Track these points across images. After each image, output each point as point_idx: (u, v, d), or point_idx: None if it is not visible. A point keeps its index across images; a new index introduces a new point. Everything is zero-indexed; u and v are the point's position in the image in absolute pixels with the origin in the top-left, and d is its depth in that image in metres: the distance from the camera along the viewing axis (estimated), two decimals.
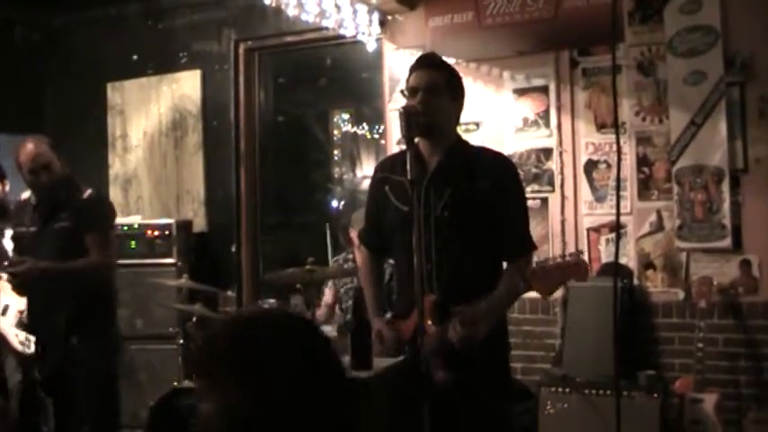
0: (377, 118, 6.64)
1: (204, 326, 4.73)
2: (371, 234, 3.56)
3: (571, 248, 5.30)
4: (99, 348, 4.41)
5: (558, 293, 5.20)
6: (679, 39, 5.01)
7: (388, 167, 3.44)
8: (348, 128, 7.40)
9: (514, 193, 3.35)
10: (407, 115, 3.11)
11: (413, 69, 3.35)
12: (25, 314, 4.54)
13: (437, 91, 3.25)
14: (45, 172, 4.38)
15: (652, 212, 5.14)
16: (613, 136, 5.14)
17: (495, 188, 3.23)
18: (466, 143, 3.46)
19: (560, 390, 4.82)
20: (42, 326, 4.45)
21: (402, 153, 3.22)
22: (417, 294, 2.96)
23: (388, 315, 3.50)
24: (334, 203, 7.50)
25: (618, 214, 3.46)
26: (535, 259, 3.39)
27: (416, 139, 3.21)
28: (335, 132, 7.51)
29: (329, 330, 5.06)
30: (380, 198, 3.43)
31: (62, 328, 4.32)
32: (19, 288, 4.47)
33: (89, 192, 4.54)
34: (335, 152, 7.52)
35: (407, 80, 3.35)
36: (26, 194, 4.64)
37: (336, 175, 7.50)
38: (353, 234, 5.28)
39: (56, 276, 4.33)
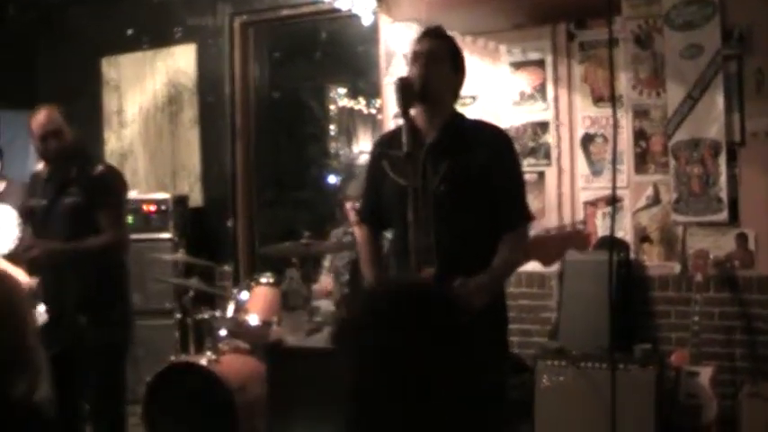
0: (373, 92, 6.62)
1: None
2: (370, 210, 3.55)
3: (567, 222, 5.31)
4: (107, 327, 4.37)
5: (555, 267, 5.22)
6: (676, 12, 4.99)
7: (386, 143, 3.43)
8: (344, 102, 7.37)
9: (511, 165, 3.36)
10: (403, 87, 3.12)
11: (418, 39, 3.37)
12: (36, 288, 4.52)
13: (439, 58, 3.26)
14: (54, 139, 4.32)
15: (648, 186, 5.14)
16: (610, 109, 5.13)
17: (491, 161, 3.23)
18: (462, 116, 3.45)
19: (556, 363, 4.80)
20: (53, 304, 4.41)
21: (400, 128, 3.21)
22: (414, 268, 2.99)
23: None
24: (330, 179, 7.48)
25: (614, 188, 3.46)
26: (532, 232, 3.39)
27: (413, 112, 3.21)
28: (331, 107, 7.48)
29: (328, 305, 5.10)
30: (378, 173, 3.41)
31: (72, 307, 4.29)
32: (31, 269, 4.41)
33: (100, 167, 4.50)
34: (331, 127, 7.49)
35: (412, 49, 3.36)
36: (39, 167, 4.60)
37: (332, 150, 7.48)
38: (348, 206, 5.28)
39: (65, 257, 4.29)
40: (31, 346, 1.88)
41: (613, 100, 3.84)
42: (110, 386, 4.44)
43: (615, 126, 4.00)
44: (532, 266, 4.30)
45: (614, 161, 3.87)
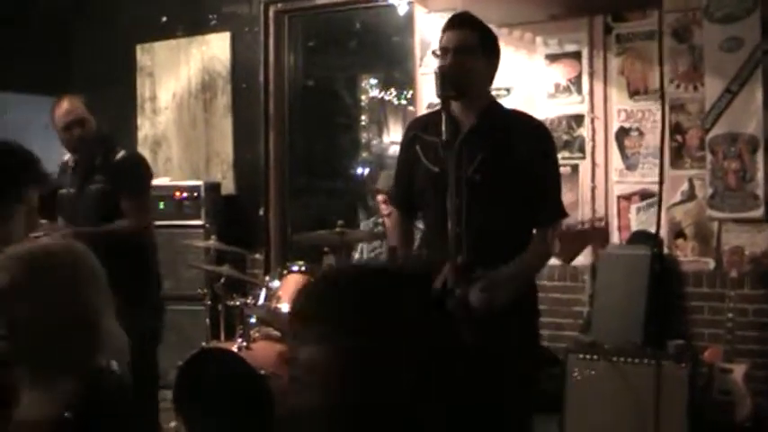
0: (406, 83, 6.60)
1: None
2: (401, 193, 3.50)
3: (587, 219, 5.25)
4: (137, 312, 4.33)
5: (588, 261, 5.20)
6: (716, 4, 4.93)
7: (421, 126, 3.38)
8: (376, 93, 7.35)
9: (548, 160, 3.30)
10: (443, 75, 3.07)
11: (445, 29, 3.28)
12: None
13: (468, 51, 3.17)
14: (79, 127, 4.36)
15: (684, 180, 5.10)
16: (646, 103, 5.18)
17: (528, 153, 3.17)
18: (500, 106, 3.41)
19: (588, 357, 4.75)
20: None
21: (436, 113, 3.16)
22: (451, 257, 2.94)
23: None
24: (361, 169, 7.47)
25: (661, 182, 3.47)
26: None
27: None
28: (363, 97, 7.46)
29: None
30: (411, 157, 3.36)
31: None
32: None
33: (122, 153, 4.50)
34: (363, 117, 7.48)
35: (440, 40, 3.29)
36: (66, 156, 4.62)
37: (364, 141, 7.46)
38: (380, 198, 5.27)
39: (90, 241, 4.29)
40: (101, 318, 1.93)
41: (662, 92, 3.80)
42: (142, 373, 4.43)
43: (663, 119, 3.96)
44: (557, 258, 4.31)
45: (661, 155, 3.83)
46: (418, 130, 3.37)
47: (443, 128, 2.99)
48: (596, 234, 3.09)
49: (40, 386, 1.83)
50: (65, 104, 4.38)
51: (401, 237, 3.54)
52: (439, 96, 3.08)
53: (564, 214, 3.34)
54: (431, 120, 3.25)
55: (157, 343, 4.53)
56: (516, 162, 3.16)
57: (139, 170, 4.56)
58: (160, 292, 4.64)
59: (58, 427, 1.75)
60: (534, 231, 3.28)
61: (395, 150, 7.08)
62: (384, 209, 5.26)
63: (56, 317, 1.83)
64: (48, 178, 4.46)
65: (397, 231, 3.59)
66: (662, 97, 3.97)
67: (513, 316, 3.07)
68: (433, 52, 3.32)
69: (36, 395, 1.82)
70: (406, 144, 3.43)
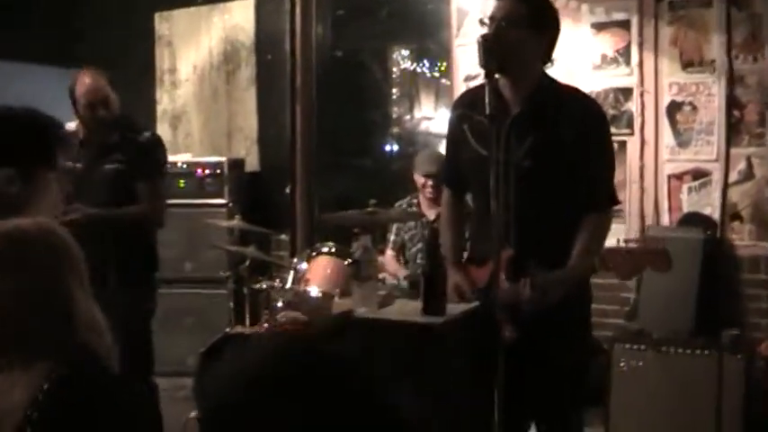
0: (440, 54, 6.38)
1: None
2: (452, 173, 3.43)
3: (650, 196, 5.09)
4: (139, 291, 4.28)
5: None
6: None
7: (468, 103, 3.24)
8: (408, 65, 7.12)
9: (603, 143, 3.19)
10: (483, 45, 2.93)
11: None
12: None
13: (513, 23, 3.03)
14: (103, 108, 4.22)
15: (742, 159, 4.84)
16: (701, 75, 4.94)
17: (582, 137, 3.04)
18: (554, 83, 3.26)
19: (635, 346, 4.61)
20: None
21: (482, 87, 2.98)
22: (495, 245, 2.84)
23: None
24: (391, 146, 7.25)
25: (728, 158, 3.18)
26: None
27: (497, 75, 3.01)
28: (394, 69, 7.22)
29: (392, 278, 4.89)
30: (458, 136, 3.25)
31: (102, 272, 4.14)
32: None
33: (146, 135, 4.40)
34: (394, 90, 7.24)
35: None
36: (71, 126, 4.39)
37: (395, 116, 7.23)
38: (417, 177, 5.07)
39: (105, 223, 4.17)
40: (77, 297, 1.88)
41: (730, 64, 3.54)
42: (138, 353, 4.30)
43: (731, 91, 3.72)
44: (611, 242, 4.10)
45: (728, 130, 3.57)
46: (465, 107, 3.26)
47: (487, 101, 2.84)
48: (657, 258, 2.96)
49: (15, 369, 1.77)
50: (88, 81, 4.24)
51: (450, 221, 3.44)
52: (482, 67, 2.94)
53: (614, 201, 3.23)
54: (478, 95, 3.05)
55: (150, 324, 4.44)
56: (568, 147, 3.04)
57: (160, 153, 4.49)
58: (156, 273, 4.52)
59: (32, 409, 1.68)
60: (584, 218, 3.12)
61: (426, 126, 6.91)
62: (427, 193, 5.04)
63: (30, 295, 1.81)
64: (72, 144, 4.33)
65: (447, 212, 3.48)
66: (730, 67, 3.71)
67: (564, 304, 2.98)
68: (480, 20, 3.14)
69: (10, 379, 1.76)
70: (454, 122, 3.32)
